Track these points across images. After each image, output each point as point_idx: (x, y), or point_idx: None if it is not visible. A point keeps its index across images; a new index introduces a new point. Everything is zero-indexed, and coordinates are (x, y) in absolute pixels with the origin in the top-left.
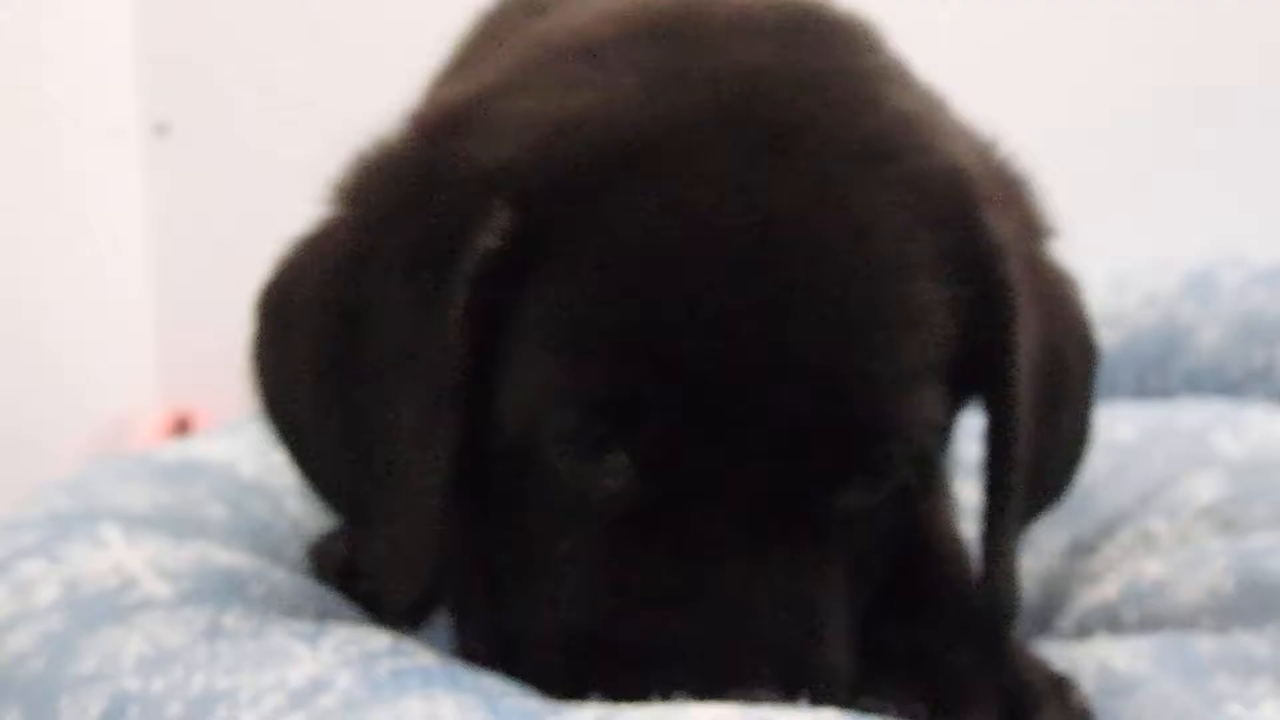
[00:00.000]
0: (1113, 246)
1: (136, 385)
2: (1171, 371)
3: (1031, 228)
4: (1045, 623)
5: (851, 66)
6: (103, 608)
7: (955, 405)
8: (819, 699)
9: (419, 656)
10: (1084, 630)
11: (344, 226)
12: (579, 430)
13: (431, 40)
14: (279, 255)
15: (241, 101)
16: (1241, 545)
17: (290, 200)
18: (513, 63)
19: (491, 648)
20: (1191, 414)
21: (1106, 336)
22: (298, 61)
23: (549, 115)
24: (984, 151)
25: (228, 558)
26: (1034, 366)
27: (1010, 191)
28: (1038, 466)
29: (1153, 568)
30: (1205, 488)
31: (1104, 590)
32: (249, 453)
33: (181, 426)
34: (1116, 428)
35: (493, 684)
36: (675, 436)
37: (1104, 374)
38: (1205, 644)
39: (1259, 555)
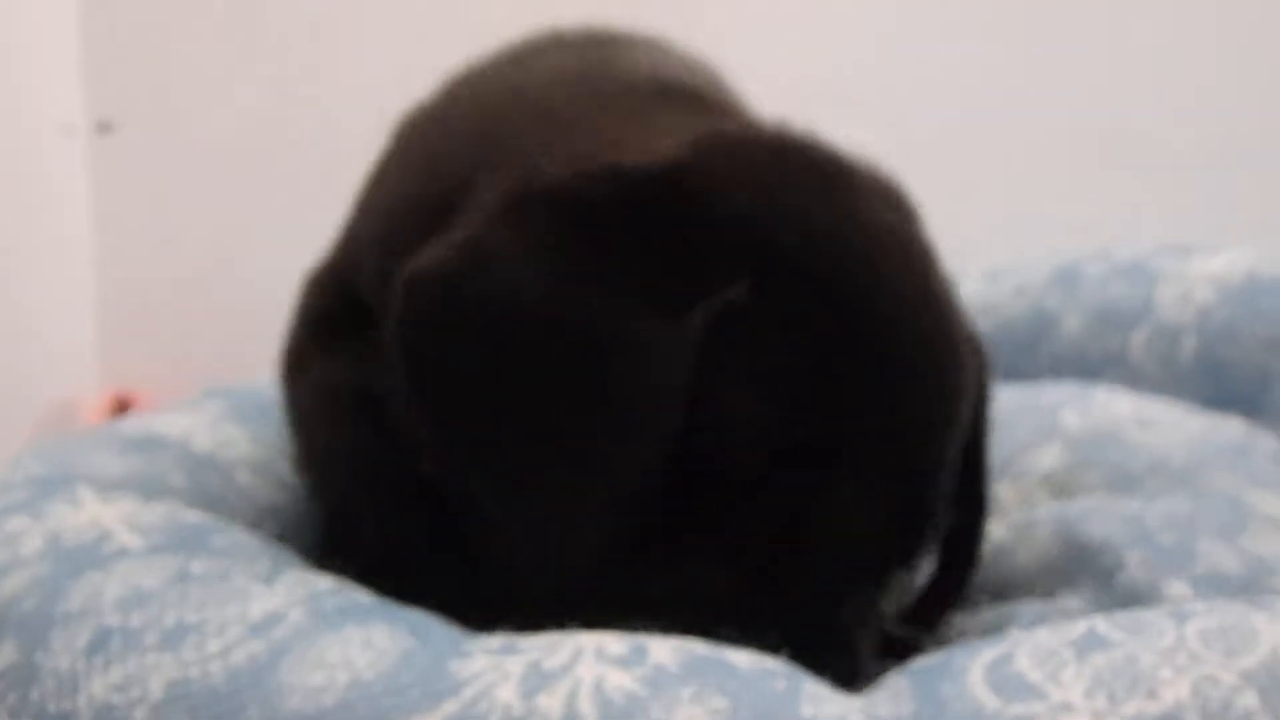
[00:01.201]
0: (988, 243)
1: (79, 370)
2: (1039, 355)
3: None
4: None
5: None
6: (84, 557)
7: None
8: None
9: (359, 595)
10: None
11: (561, 238)
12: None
13: (374, 37)
14: (452, 250)
15: (186, 99)
16: (1066, 510)
17: (229, 194)
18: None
19: None
20: (1049, 394)
21: (982, 324)
22: (242, 59)
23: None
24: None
25: (193, 516)
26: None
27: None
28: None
29: (997, 531)
30: (1047, 457)
31: None
32: (202, 429)
33: (122, 408)
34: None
35: (419, 616)
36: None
37: None
38: (1036, 607)
39: (1077, 520)
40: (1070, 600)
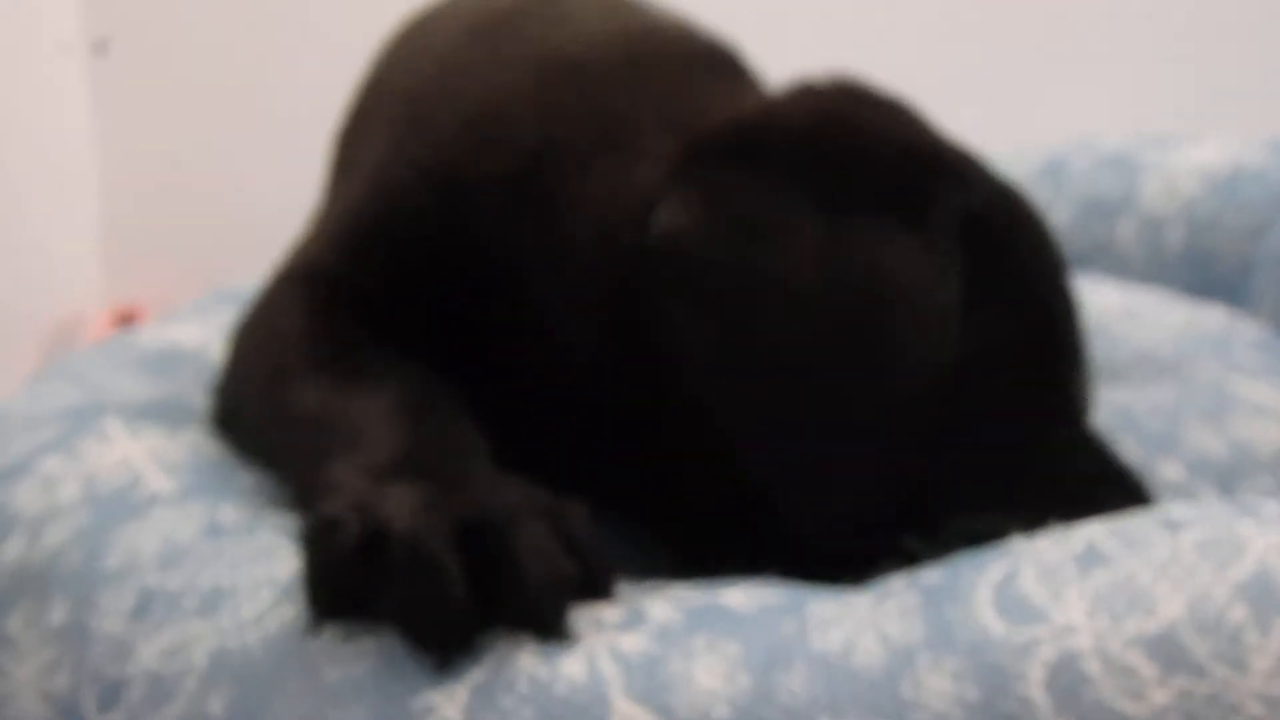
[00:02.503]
0: (974, 135)
1: (84, 285)
2: None
3: None
4: None
5: None
6: (119, 505)
7: None
8: None
9: None
10: None
11: (794, 178)
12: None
13: None
14: (676, 200)
15: (182, 14)
16: None
17: (227, 108)
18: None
19: None
20: None
21: None
22: None
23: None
24: None
25: (215, 448)
26: None
27: None
28: None
29: None
30: None
31: None
32: (215, 337)
33: (126, 322)
34: None
35: None
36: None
37: None
38: None
39: None
40: None
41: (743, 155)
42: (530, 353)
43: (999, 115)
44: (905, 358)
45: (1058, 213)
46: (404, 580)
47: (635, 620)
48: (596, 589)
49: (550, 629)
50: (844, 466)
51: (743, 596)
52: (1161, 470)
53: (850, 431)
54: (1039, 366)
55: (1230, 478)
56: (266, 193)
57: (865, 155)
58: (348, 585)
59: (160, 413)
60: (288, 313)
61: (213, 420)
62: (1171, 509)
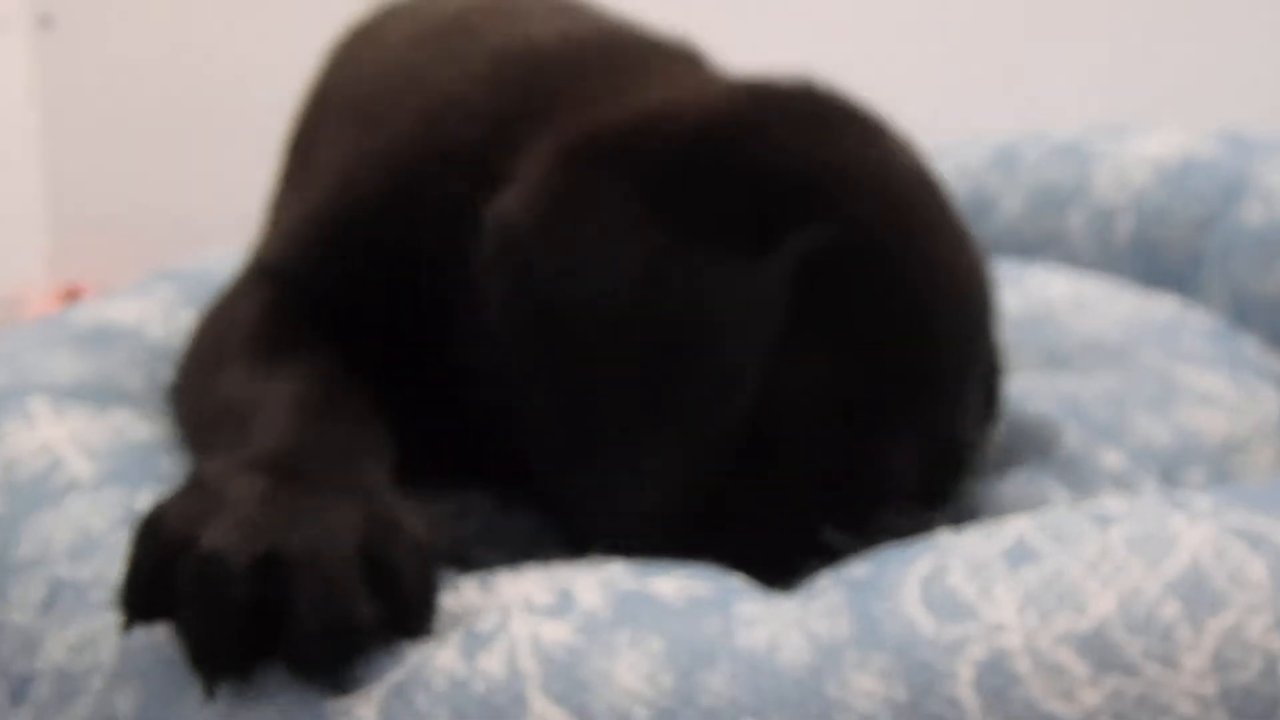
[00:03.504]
0: (927, 122)
1: (28, 261)
2: (979, 236)
3: None
4: None
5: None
6: (36, 492)
7: None
8: None
9: None
10: None
11: (641, 191)
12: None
13: None
14: (527, 190)
15: None
16: (1008, 389)
17: (172, 88)
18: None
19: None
20: None
21: None
22: None
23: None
24: None
25: (143, 430)
26: None
27: None
28: None
29: None
30: None
31: None
32: (155, 315)
33: (72, 299)
34: None
35: None
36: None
37: None
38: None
39: (1018, 399)
40: (1020, 474)
41: (608, 155)
42: (477, 346)
43: (954, 106)
44: (702, 387)
45: (1009, 202)
46: (189, 600)
47: (563, 605)
48: (408, 628)
49: (318, 679)
50: (625, 475)
51: (673, 586)
52: (1104, 459)
53: (636, 444)
54: (850, 422)
55: (1173, 467)
56: (213, 172)
57: (727, 177)
58: (158, 589)
59: (89, 393)
60: (241, 306)
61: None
62: (1103, 503)
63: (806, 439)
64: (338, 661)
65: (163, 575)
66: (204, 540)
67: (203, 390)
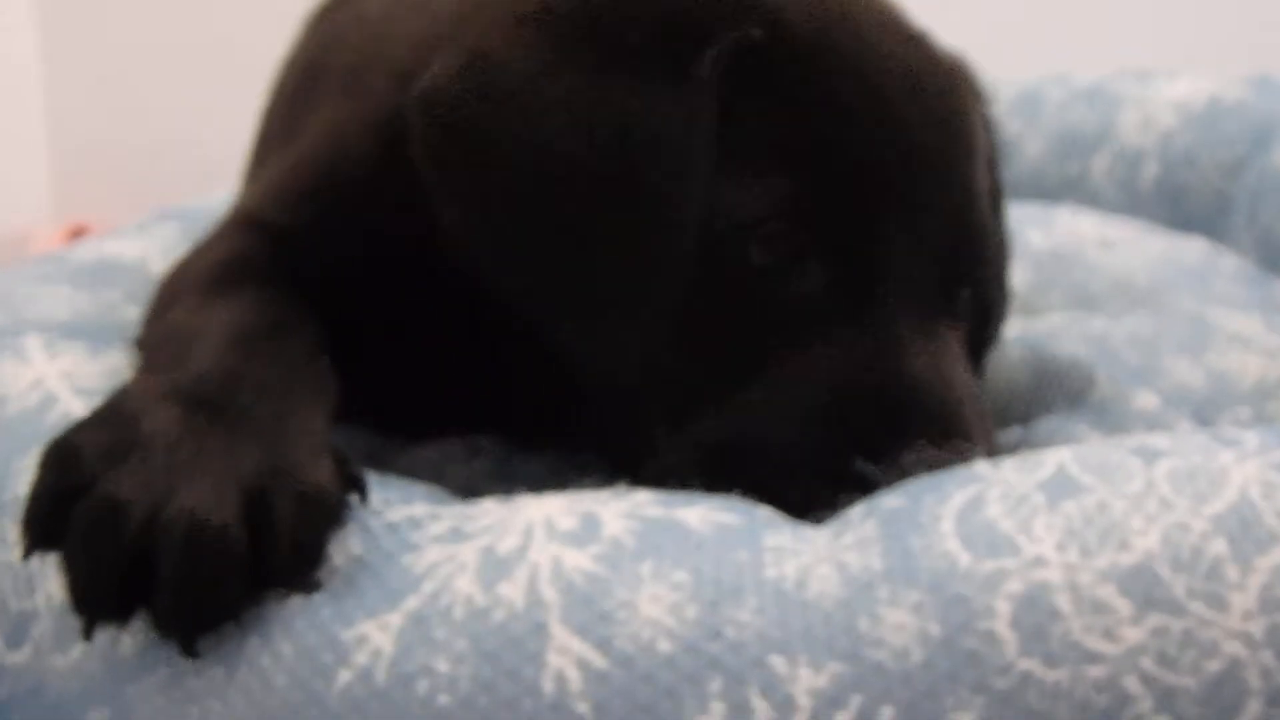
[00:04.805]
0: None
1: (33, 200)
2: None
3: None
4: None
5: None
6: (29, 429)
7: None
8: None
9: None
10: None
11: (544, 23)
12: (787, 231)
13: None
14: (454, 63)
15: None
16: (1034, 329)
17: (174, 31)
18: None
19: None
20: (1012, 213)
21: None
22: None
23: None
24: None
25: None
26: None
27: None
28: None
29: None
30: (1013, 276)
31: None
32: (157, 251)
33: (77, 236)
34: None
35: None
36: (867, 236)
37: None
38: (1014, 434)
39: (1045, 340)
40: (1051, 420)
41: (523, 17)
42: (451, 294)
43: (976, 50)
44: (643, 214)
45: (1031, 146)
46: (76, 543)
47: (587, 531)
48: (280, 581)
49: (178, 639)
50: (612, 318)
51: (700, 516)
52: (1137, 400)
53: (611, 286)
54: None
55: (1207, 409)
56: (215, 114)
57: (641, 9)
58: (55, 521)
59: (86, 330)
60: (214, 248)
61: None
62: (1147, 438)
63: (780, 268)
64: (197, 626)
65: (61, 508)
66: (101, 484)
67: (156, 319)
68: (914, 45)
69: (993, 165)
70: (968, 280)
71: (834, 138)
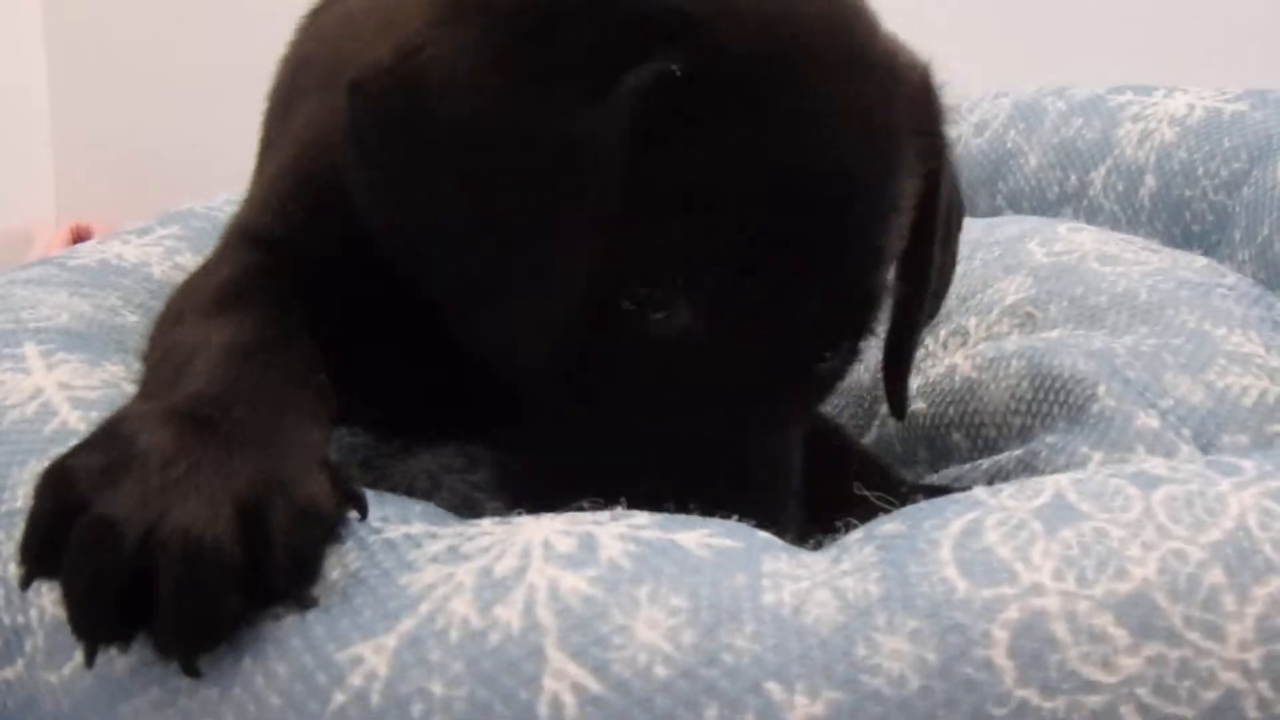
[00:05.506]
0: (949, 78)
1: (37, 200)
2: (997, 192)
3: (945, 116)
4: (871, 411)
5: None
6: (27, 440)
7: None
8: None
9: None
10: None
11: (481, 27)
12: (665, 271)
13: None
14: (390, 53)
15: None
16: (1034, 343)
17: (180, 32)
18: None
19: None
20: (1009, 227)
21: None
22: None
23: None
24: (917, 62)
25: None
26: (943, 214)
27: (934, 89)
28: (940, 285)
29: (965, 367)
30: (1012, 289)
31: (922, 379)
32: (158, 254)
33: (80, 239)
34: None
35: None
36: (738, 289)
37: None
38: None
39: (1046, 353)
40: (1047, 438)
41: (465, 12)
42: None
43: (975, 62)
44: (550, 228)
45: (1029, 159)
46: (73, 565)
47: (585, 554)
48: (275, 597)
49: (177, 659)
50: (495, 318)
51: (698, 539)
52: (1138, 420)
53: (500, 289)
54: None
55: (1209, 428)
56: (220, 117)
57: (574, 23)
58: (54, 546)
59: (84, 336)
60: (216, 269)
61: None
62: (1145, 464)
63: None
64: (197, 643)
65: (58, 532)
66: (95, 506)
67: (160, 340)
68: (855, 76)
69: (946, 187)
70: (843, 339)
71: (734, 184)
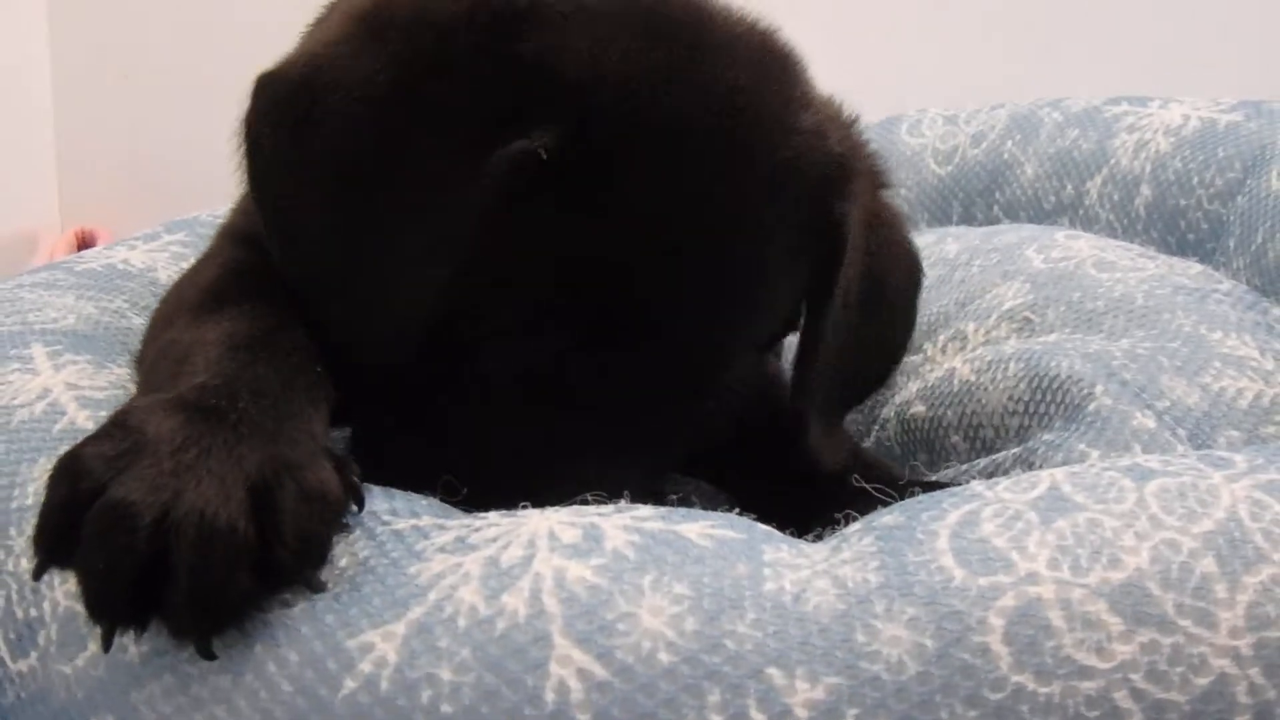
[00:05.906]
0: (945, 89)
1: (41, 205)
2: (994, 202)
3: (876, 183)
4: (871, 416)
5: (715, 62)
6: (36, 438)
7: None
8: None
9: None
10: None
11: (383, 59)
12: (528, 325)
13: None
14: (294, 54)
15: None
16: (1032, 346)
17: (185, 36)
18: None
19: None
20: (1007, 235)
21: (940, 170)
22: None
23: (606, 57)
24: (838, 123)
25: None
26: (853, 295)
27: (861, 154)
28: (844, 366)
29: (964, 371)
30: (1010, 295)
31: (921, 383)
32: (164, 260)
33: (84, 244)
34: (945, 246)
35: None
36: (592, 346)
37: (937, 202)
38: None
39: (1043, 355)
40: (1044, 437)
41: (361, 19)
42: None
43: (971, 74)
44: (396, 271)
45: (1026, 169)
46: (89, 550)
47: (589, 544)
48: (286, 578)
49: (190, 641)
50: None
51: (701, 529)
52: (1135, 418)
53: (343, 310)
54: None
55: (1204, 429)
56: (225, 123)
57: (469, 67)
58: (69, 534)
59: (91, 339)
60: (206, 268)
61: None
62: (1139, 457)
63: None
64: (212, 625)
65: (72, 519)
66: (110, 490)
67: (153, 341)
68: (726, 166)
69: (851, 266)
70: (678, 414)
71: (565, 266)
